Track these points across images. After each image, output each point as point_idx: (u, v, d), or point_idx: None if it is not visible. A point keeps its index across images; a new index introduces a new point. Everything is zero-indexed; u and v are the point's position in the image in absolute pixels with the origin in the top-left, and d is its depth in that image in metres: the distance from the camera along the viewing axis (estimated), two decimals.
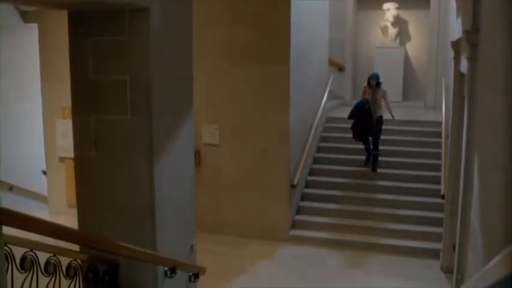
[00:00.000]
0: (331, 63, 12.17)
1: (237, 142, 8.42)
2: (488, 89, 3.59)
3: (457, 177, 6.20)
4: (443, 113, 9.44)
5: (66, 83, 4.28)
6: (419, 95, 13.31)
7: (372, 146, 9.39)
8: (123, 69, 3.97)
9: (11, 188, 9.30)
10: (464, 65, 5.26)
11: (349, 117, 9.37)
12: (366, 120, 9.17)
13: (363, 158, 9.59)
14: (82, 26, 4.03)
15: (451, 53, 6.88)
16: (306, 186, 9.33)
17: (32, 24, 9.18)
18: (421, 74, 13.51)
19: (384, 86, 9.52)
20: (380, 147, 9.40)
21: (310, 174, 9.59)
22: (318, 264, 7.57)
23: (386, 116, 9.46)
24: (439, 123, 9.63)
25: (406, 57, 13.62)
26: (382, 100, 9.39)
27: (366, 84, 9.52)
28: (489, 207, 3.26)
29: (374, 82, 9.35)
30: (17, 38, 9.81)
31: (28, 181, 9.66)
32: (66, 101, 4.46)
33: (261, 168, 8.33)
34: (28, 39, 9.40)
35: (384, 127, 9.47)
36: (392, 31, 13.44)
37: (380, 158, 9.40)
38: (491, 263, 2.14)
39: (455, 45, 6.39)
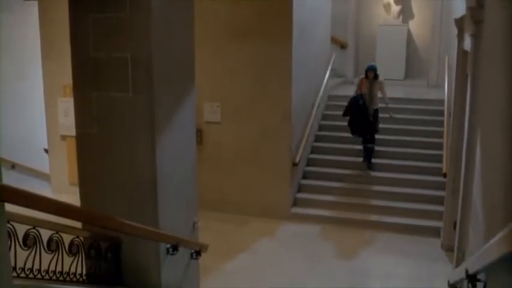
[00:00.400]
0: (334, 40, 12.05)
1: (238, 120, 8.41)
2: (492, 67, 3.55)
3: (459, 156, 6.20)
4: (446, 91, 9.38)
5: (67, 61, 4.25)
6: (422, 73, 13.22)
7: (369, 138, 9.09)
8: (124, 47, 3.93)
9: (13, 166, 9.32)
10: (467, 43, 5.21)
11: (344, 114, 9.00)
12: (361, 117, 8.84)
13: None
14: (82, 3, 3.98)
15: (454, 31, 6.80)
16: (308, 164, 9.33)
17: (32, 2, 9.09)
18: (423, 52, 13.39)
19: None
20: (381, 126, 9.25)
21: (312, 152, 9.58)
22: (318, 241, 7.62)
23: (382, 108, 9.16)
24: (442, 102, 9.59)
25: (409, 35, 13.49)
26: (379, 92, 9.05)
27: (363, 76, 9.12)
28: (491, 185, 3.26)
29: (372, 74, 8.93)
30: (17, 16, 9.73)
31: (30, 159, 9.68)
32: (67, 78, 4.43)
33: (263, 146, 8.33)
34: (28, 17, 9.34)
35: (384, 105, 9.31)
36: (395, 8, 13.29)
37: (382, 136, 9.32)
38: (492, 241, 2.14)
39: (459, 22, 6.31)
